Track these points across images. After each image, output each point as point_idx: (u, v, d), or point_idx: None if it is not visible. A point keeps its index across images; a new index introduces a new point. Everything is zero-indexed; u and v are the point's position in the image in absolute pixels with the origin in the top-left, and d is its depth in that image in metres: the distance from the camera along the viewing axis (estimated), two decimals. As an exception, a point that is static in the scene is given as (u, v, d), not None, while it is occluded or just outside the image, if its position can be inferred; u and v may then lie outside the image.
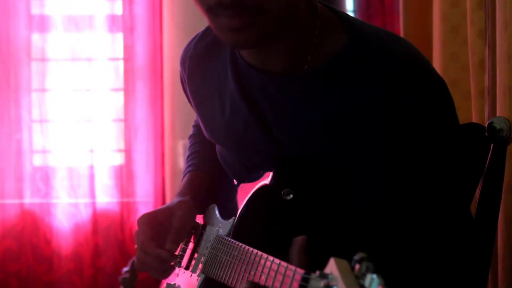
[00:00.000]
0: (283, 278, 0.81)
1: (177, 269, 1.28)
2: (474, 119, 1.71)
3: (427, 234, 1.02)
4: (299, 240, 0.89)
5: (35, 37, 3.03)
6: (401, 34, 2.19)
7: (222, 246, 1.14)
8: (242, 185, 1.21)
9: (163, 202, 3.06)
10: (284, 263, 0.82)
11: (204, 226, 1.27)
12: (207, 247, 1.22)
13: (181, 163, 2.98)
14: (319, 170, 1.05)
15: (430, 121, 1.02)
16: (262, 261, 0.89)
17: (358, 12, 2.95)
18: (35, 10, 3.02)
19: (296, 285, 0.77)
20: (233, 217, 1.17)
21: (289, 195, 1.05)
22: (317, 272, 0.71)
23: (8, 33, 2.99)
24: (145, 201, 3.06)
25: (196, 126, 1.44)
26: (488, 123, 1.12)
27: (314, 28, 1.07)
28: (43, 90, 3.03)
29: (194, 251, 1.26)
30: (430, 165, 1.02)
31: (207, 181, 1.34)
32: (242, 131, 1.15)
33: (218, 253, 1.15)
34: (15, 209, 3.01)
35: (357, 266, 0.67)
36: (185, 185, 1.33)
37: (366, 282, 0.65)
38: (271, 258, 0.87)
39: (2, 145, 3.00)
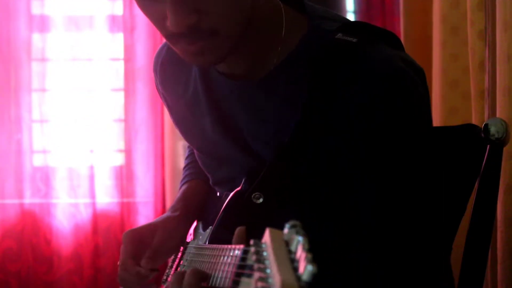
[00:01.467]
0: (231, 258, 0.85)
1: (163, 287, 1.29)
2: (474, 120, 1.71)
3: (403, 236, 1.01)
4: (239, 229, 0.93)
5: (35, 37, 3.03)
6: (401, 35, 2.19)
7: (198, 252, 1.15)
8: None
9: (163, 202, 3.06)
10: (233, 246, 0.85)
11: (187, 244, 1.28)
12: (187, 259, 1.24)
13: (181, 163, 2.98)
14: (289, 173, 1.05)
15: (383, 110, 0.99)
16: (223, 251, 0.91)
17: (359, 13, 2.95)
18: (35, 10, 3.02)
19: (239, 258, 0.81)
20: (211, 227, 1.18)
21: (259, 198, 1.06)
22: (251, 241, 0.74)
23: (8, 33, 2.99)
24: (145, 202, 3.06)
25: None
26: (484, 125, 1.11)
27: (280, 29, 1.07)
28: (43, 90, 3.03)
29: (177, 266, 1.28)
30: (387, 164, 1.00)
31: (201, 194, 1.34)
32: (211, 139, 1.15)
33: (193, 259, 1.17)
34: (15, 209, 3.01)
35: (285, 231, 0.69)
36: (179, 199, 1.33)
37: (293, 246, 0.67)
38: (227, 246, 0.89)
39: (2, 145, 3.00)
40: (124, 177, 3.06)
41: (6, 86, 3.00)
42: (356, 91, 0.99)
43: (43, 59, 3.03)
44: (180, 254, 1.29)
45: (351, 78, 1.00)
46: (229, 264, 0.84)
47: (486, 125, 1.11)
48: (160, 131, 3.06)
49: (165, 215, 1.30)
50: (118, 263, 1.25)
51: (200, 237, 1.24)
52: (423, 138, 1.03)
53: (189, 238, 1.30)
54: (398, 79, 1.00)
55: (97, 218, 3.03)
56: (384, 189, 1.01)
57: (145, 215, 3.04)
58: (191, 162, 1.39)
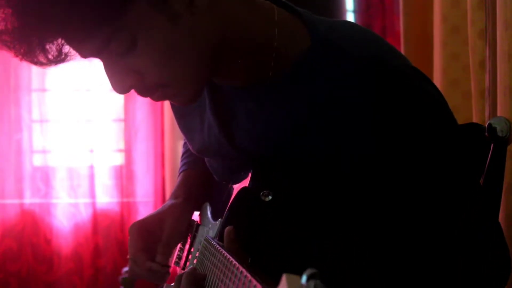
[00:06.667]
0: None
1: (178, 269, 1.28)
2: (475, 119, 1.71)
3: (422, 236, 1.01)
4: (227, 230, 0.96)
5: (35, 37, 3.03)
6: (401, 35, 2.19)
7: (207, 252, 1.15)
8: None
9: (163, 202, 3.06)
10: (249, 276, 0.82)
11: (197, 226, 1.27)
12: (198, 249, 1.22)
13: (181, 163, 2.99)
14: (298, 171, 1.04)
15: (400, 114, 0.99)
16: (234, 271, 0.89)
17: (358, 13, 2.95)
18: (35, 10, 3.02)
19: None
20: (220, 219, 1.17)
21: (268, 196, 1.04)
22: None
23: (8, 33, 3.00)
24: (145, 201, 3.06)
25: None
26: (488, 123, 1.11)
27: (272, 39, 1.02)
28: (43, 90, 3.03)
29: (188, 251, 1.27)
30: (406, 161, 0.99)
31: (201, 179, 1.33)
32: (216, 146, 1.14)
33: (204, 259, 1.16)
34: (15, 209, 3.01)
35: (304, 284, 0.65)
36: (178, 186, 1.33)
37: None
38: (240, 268, 0.87)
39: (2, 145, 3.00)
40: (124, 176, 3.06)
41: (6, 86, 3.00)
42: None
43: (43, 59, 3.03)
44: (190, 237, 1.28)
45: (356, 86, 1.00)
46: None
47: (490, 124, 1.11)
48: (160, 131, 3.06)
49: (168, 203, 1.29)
50: (128, 256, 1.24)
51: (210, 225, 1.22)
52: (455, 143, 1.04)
53: (196, 219, 1.28)
54: (411, 74, 1.01)
55: (97, 218, 3.03)
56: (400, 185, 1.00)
57: (145, 215, 3.03)
58: (188, 150, 1.38)
